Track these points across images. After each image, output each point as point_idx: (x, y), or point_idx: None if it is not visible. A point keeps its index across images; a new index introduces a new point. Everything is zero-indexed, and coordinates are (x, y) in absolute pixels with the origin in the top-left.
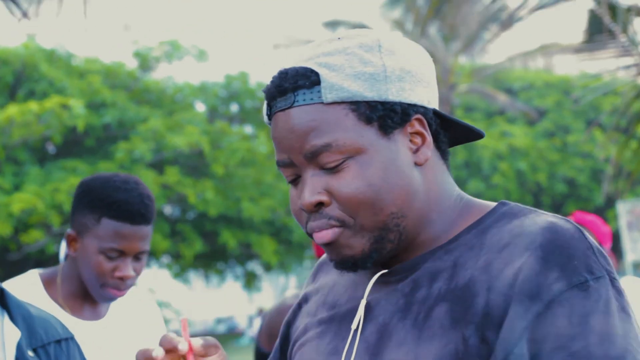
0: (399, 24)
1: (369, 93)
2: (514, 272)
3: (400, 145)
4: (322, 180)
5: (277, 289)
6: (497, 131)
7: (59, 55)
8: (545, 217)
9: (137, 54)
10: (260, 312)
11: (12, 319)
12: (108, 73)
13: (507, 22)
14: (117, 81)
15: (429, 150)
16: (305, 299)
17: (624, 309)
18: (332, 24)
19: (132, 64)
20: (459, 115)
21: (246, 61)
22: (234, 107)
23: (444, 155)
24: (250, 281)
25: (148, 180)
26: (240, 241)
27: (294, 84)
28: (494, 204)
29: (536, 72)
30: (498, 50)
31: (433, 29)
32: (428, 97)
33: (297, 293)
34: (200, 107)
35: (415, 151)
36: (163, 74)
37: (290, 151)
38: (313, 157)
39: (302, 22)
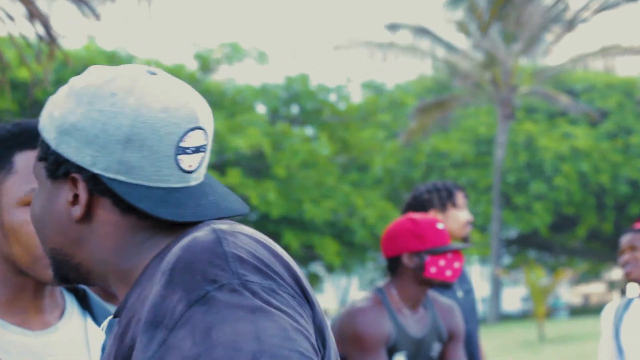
0: (461, 26)
1: (45, 133)
2: (150, 301)
3: (61, 194)
4: None
5: (339, 291)
6: (559, 133)
7: (120, 57)
8: (198, 233)
9: (198, 56)
10: (325, 313)
11: (95, 320)
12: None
13: (570, 23)
14: None
15: (81, 210)
16: None
17: (260, 308)
18: (393, 27)
19: (192, 66)
20: (520, 117)
21: (306, 63)
22: (295, 109)
23: (142, 213)
24: (312, 282)
25: None
26: (302, 242)
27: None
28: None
29: (597, 74)
30: (559, 51)
31: (495, 31)
32: (95, 160)
33: (367, 296)
34: (261, 109)
35: (74, 206)
36: (223, 75)
37: None
38: None
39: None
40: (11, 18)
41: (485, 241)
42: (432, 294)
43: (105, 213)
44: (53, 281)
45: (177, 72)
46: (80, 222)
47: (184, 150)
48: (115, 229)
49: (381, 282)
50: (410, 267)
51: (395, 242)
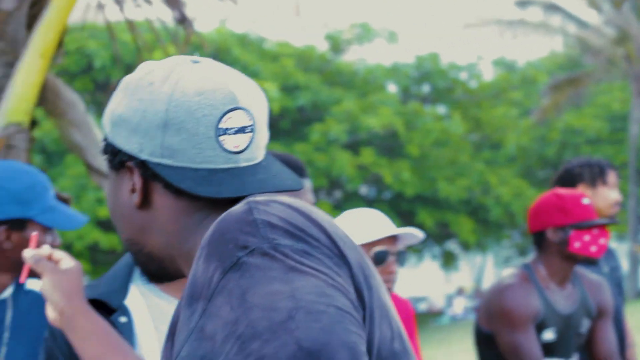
0: (592, 2)
1: (105, 128)
2: (191, 277)
3: (123, 184)
4: None
5: (474, 268)
6: None
7: (251, 39)
8: (233, 208)
9: (329, 37)
10: (461, 291)
11: None
12: (300, 56)
13: None
14: (310, 64)
15: (139, 196)
16: None
17: (293, 268)
18: (523, 4)
19: (323, 47)
20: None
21: (437, 41)
22: (426, 88)
23: (192, 196)
24: (448, 260)
25: (343, 161)
26: (437, 221)
27: None
28: None
29: None
30: None
31: (627, 6)
32: (142, 147)
33: (514, 272)
34: (392, 88)
35: (133, 194)
36: (354, 56)
37: None
38: None
39: (494, 1)
40: (148, 2)
41: (622, 218)
42: (581, 270)
43: (160, 198)
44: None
45: (307, 53)
46: (141, 209)
47: (224, 131)
48: (172, 213)
49: (528, 259)
50: (555, 242)
51: (539, 217)
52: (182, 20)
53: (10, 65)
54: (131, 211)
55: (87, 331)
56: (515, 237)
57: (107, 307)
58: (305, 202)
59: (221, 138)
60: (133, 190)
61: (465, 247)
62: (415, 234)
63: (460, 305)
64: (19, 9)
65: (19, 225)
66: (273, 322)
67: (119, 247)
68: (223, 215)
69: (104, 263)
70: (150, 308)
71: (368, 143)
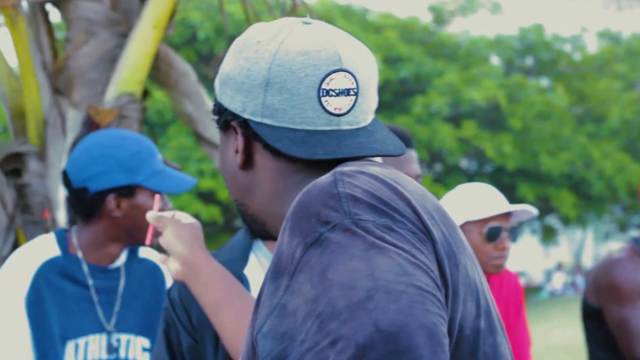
0: None
1: (215, 89)
2: (277, 246)
3: (229, 145)
4: None
5: (573, 244)
6: None
7: (354, 10)
8: (319, 179)
9: (432, 8)
10: (560, 266)
11: None
12: (403, 28)
13: None
14: (413, 36)
15: (241, 156)
16: None
17: (374, 245)
18: None
19: (426, 18)
20: None
21: (541, 13)
22: (530, 60)
23: (290, 157)
24: (548, 235)
25: (445, 134)
26: (537, 195)
27: None
28: None
29: None
30: None
31: None
32: (245, 105)
33: (623, 246)
34: (495, 61)
35: (237, 153)
36: (457, 28)
37: None
38: None
39: None
40: None
41: None
42: None
43: (260, 158)
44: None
45: (410, 24)
46: (244, 169)
47: (327, 93)
48: (270, 174)
49: (637, 233)
50: None
51: None
52: None
53: (124, 35)
54: (236, 171)
55: (209, 278)
56: (616, 212)
57: None
58: (396, 173)
59: (323, 99)
60: (237, 151)
61: (566, 222)
62: (529, 210)
63: (559, 281)
64: None
65: (127, 192)
66: (351, 301)
67: (220, 219)
68: (308, 186)
69: (204, 235)
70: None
71: (470, 116)
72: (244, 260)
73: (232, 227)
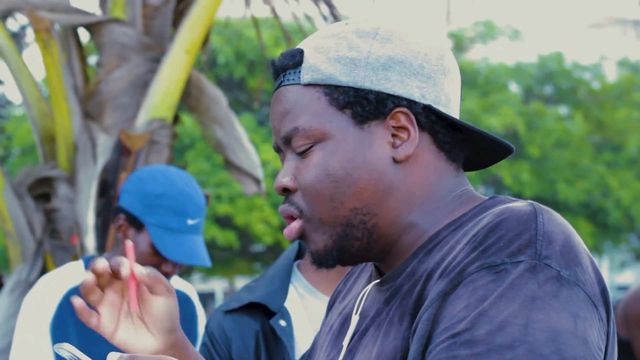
0: None
1: (344, 78)
2: (450, 258)
3: (376, 138)
4: (294, 164)
5: None
6: None
7: None
8: (515, 204)
9: (452, 35)
10: None
11: None
12: None
13: None
14: None
15: (412, 147)
16: (334, 300)
17: (543, 299)
18: None
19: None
20: None
21: (561, 41)
22: (549, 88)
23: (450, 156)
24: None
25: None
26: None
27: (282, 63)
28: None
29: None
30: None
31: None
32: (423, 91)
33: None
34: (514, 88)
35: (397, 147)
36: (477, 54)
37: (275, 135)
38: (287, 142)
39: (618, 0)
40: None
41: None
42: None
43: (424, 153)
44: (314, 261)
45: None
46: (400, 164)
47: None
48: (428, 174)
49: None
50: None
51: None
52: (330, 17)
53: (156, 60)
54: (382, 169)
55: None
56: (633, 241)
57: (267, 310)
58: None
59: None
60: (393, 144)
61: None
62: None
63: None
64: (166, 5)
65: (137, 224)
66: (492, 341)
67: (236, 243)
68: (503, 209)
69: (220, 260)
70: (307, 310)
71: None
72: (284, 292)
73: (248, 252)
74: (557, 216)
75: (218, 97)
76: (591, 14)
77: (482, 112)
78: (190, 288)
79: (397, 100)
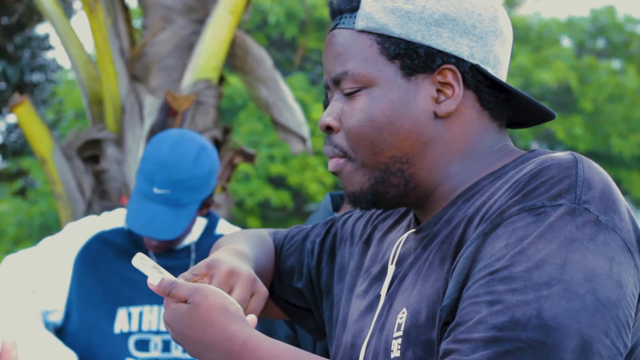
0: None
1: (397, 29)
2: (491, 203)
3: (421, 91)
4: (340, 105)
5: None
6: None
7: None
8: (556, 154)
9: None
10: None
11: None
12: None
13: None
14: None
15: (455, 104)
16: (369, 235)
17: (581, 241)
18: None
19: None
20: None
21: None
22: (601, 42)
23: (493, 114)
24: None
25: None
26: None
27: (339, 6)
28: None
29: None
30: None
31: None
32: (472, 51)
33: None
34: (567, 43)
35: (440, 102)
36: (529, 10)
37: (326, 74)
38: (336, 83)
39: None
40: None
41: None
42: None
43: (466, 110)
44: (350, 201)
45: None
46: (441, 119)
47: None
48: (470, 130)
49: None
50: None
51: None
52: None
53: (200, 22)
54: (423, 122)
55: None
56: None
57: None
58: None
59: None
60: (436, 100)
61: (638, 204)
62: None
63: None
64: None
65: None
66: (531, 279)
67: (290, 203)
68: (545, 158)
69: (274, 220)
70: None
71: (541, 98)
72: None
73: (302, 212)
74: (597, 166)
75: (263, 57)
76: None
77: (535, 67)
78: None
79: (446, 57)
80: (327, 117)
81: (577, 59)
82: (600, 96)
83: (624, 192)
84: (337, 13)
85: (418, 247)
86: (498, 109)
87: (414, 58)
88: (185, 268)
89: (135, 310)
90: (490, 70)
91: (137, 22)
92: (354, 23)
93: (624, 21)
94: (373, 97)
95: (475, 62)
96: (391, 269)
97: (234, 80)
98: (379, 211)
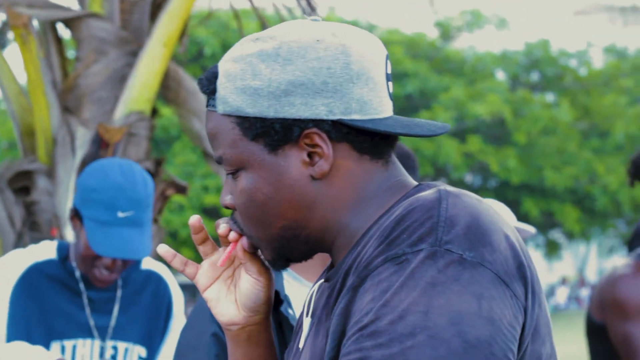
0: None
1: (251, 109)
2: (363, 253)
3: (291, 160)
4: (231, 184)
5: (577, 258)
6: None
7: (361, 26)
8: (424, 193)
9: (439, 24)
10: (564, 281)
11: None
12: (409, 43)
13: None
14: (419, 51)
15: (328, 164)
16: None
17: (444, 284)
18: None
19: (433, 34)
20: None
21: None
22: (535, 75)
23: (374, 156)
24: (552, 250)
25: (450, 149)
26: (542, 210)
27: (202, 89)
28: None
29: None
30: None
31: None
32: (330, 107)
33: (628, 262)
34: (501, 76)
35: (314, 164)
36: (464, 43)
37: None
38: (220, 163)
39: None
40: None
41: None
42: None
43: (344, 161)
44: (270, 266)
45: (417, 40)
46: (320, 179)
47: (389, 77)
48: (352, 180)
49: None
50: None
51: None
52: (308, 8)
53: (134, 54)
54: (302, 188)
55: None
56: (620, 226)
57: (277, 298)
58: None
59: (389, 83)
60: (310, 163)
61: (570, 236)
62: (528, 229)
63: (562, 295)
64: None
65: (80, 217)
66: (395, 331)
67: None
68: (411, 200)
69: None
70: (295, 298)
71: (475, 131)
72: (281, 280)
73: None
74: (466, 198)
75: (196, 90)
76: (577, 0)
77: (469, 100)
78: (164, 269)
79: (304, 124)
80: (225, 196)
81: (511, 92)
82: (534, 129)
83: (557, 224)
84: (203, 93)
85: (322, 297)
86: (378, 148)
87: (273, 134)
88: (112, 299)
89: (68, 344)
90: (357, 117)
91: (70, 53)
92: (214, 106)
93: (558, 55)
94: (249, 178)
95: (335, 117)
96: (307, 321)
97: (168, 112)
98: None
